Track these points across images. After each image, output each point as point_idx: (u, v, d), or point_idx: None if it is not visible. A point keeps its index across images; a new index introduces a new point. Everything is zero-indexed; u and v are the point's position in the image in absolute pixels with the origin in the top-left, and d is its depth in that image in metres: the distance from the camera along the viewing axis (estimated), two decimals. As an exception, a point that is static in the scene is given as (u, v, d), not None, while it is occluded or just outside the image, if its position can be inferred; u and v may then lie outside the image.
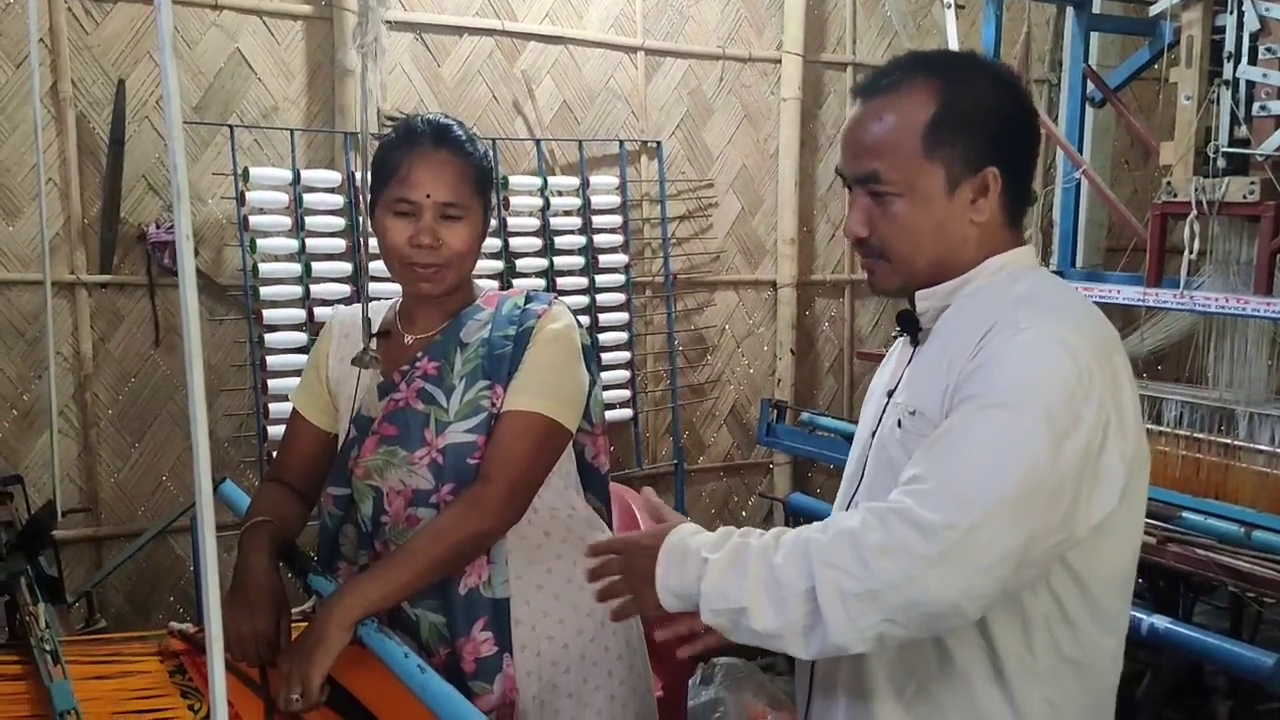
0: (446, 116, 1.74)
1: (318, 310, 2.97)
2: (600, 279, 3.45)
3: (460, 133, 1.70)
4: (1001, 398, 1.13)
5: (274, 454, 2.90)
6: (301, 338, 2.96)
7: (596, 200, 3.44)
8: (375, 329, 1.76)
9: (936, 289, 1.30)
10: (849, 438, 3.10)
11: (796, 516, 3.17)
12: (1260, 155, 2.57)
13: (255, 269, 2.91)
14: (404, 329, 1.78)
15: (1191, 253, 2.71)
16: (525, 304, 1.75)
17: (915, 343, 1.34)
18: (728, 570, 1.17)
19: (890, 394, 1.34)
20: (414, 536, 1.61)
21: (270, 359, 2.93)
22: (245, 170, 2.88)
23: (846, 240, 1.40)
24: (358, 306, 1.92)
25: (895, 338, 1.37)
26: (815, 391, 4.14)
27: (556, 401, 1.69)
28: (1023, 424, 1.11)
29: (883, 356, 3.85)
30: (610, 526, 1.90)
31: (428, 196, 1.65)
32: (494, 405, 1.68)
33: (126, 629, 2.82)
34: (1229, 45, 2.63)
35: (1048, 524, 1.11)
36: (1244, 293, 2.65)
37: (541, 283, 3.31)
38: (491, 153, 1.78)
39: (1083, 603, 1.22)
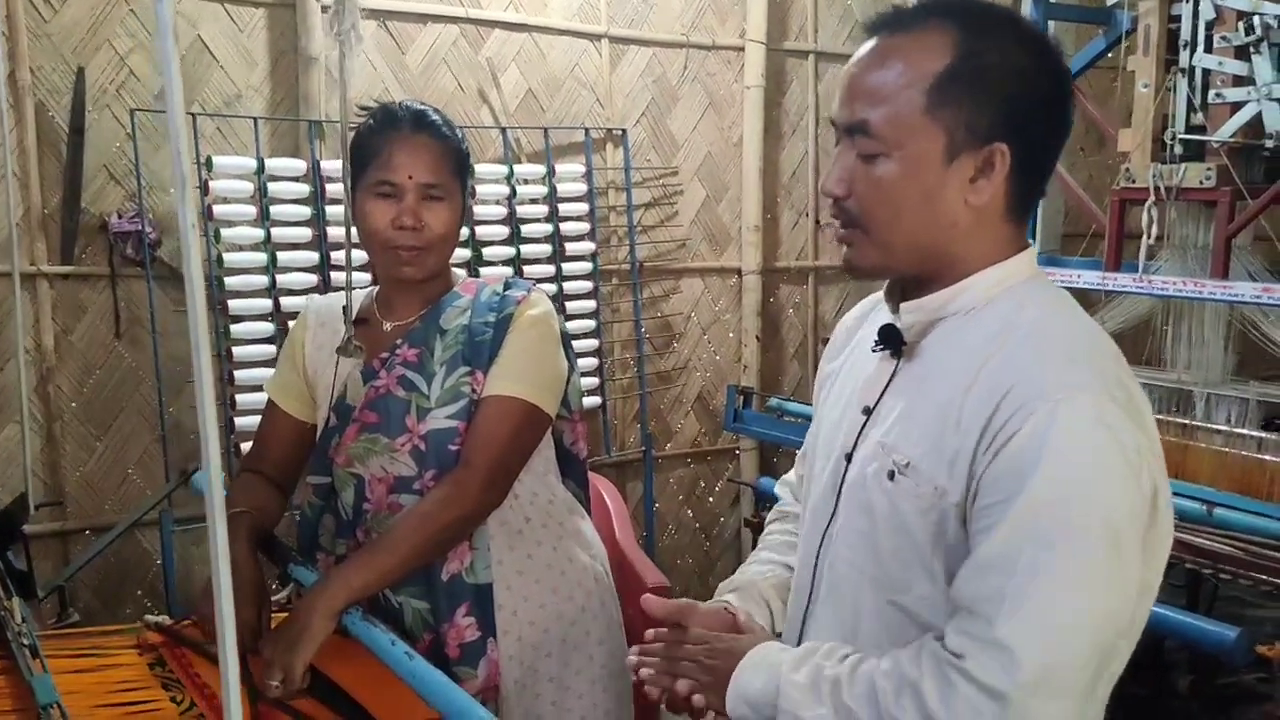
0: (423, 103, 1.75)
1: (284, 300, 2.95)
2: (567, 267, 3.45)
3: (437, 117, 1.72)
4: (1056, 528, 1.01)
5: (241, 445, 2.90)
6: (268, 328, 2.94)
7: (563, 189, 3.44)
8: (351, 316, 1.76)
9: (924, 302, 1.17)
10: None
11: (767, 500, 3.21)
12: (1216, 142, 2.62)
13: (220, 259, 2.88)
14: (383, 316, 1.78)
15: (1150, 238, 2.75)
16: (505, 291, 1.76)
17: (897, 355, 1.19)
18: (805, 693, 1.11)
19: (868, 411, 1.20)
20: (396, 523, 1.62)
21: (237, 350, 2.90)
22: (208, 159, 2.85)
23: (824, 198, 1.19)
24: (333, 295, 1.92)
25: (875, 350, 1.22)
26: (780, 377, 4.17)
27: (536, 386, 1.70)
28: (1087, 566, 1.01)
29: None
30: (589, 512, 1.91)
31: (409, 178, 1.66)
32: (474, 391, 1.69)
33: (96, 623, 2.80)
34: (1185, 34, 2.69)
35: (1118, 641, 1.06)
36: (1201, 277, 2.71)
37: (509, 271, 3.31)
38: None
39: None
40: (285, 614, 1.62)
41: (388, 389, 1.71)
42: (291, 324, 2.85)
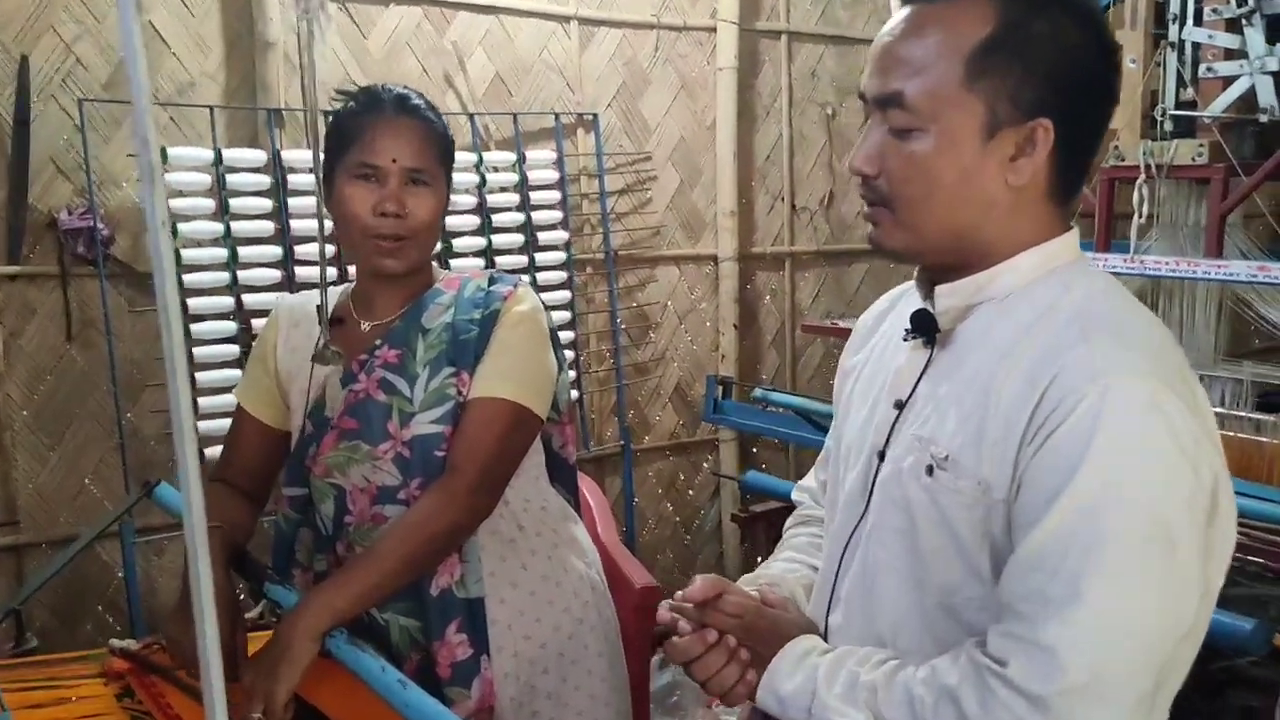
0: (406, 87, 1.64)
1: (246, 298, 2.82)
2: (540, 257, 3.34)
3: (421, 101, 1.62)
4: (1105, 523, 0.93)
5: (205, 451, 2.77)
6: (231, 327, 2.81)
7: (534, 176, 3.32)
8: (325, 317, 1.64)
9: (960, 285, 1.08)
10: (801, 413, 3.07)
11: (752, 494, 3.13)
12: (1208, 117, 2.57)
13: (178, 255, 2.74)
14: (360, 315, 1.67)
15: (1140, 217, 2.70)
16: (489, 286, 1.66)
17: (930, 343, 1.12)
18: (840, 699, 1.06)
19: (900, 405, 1.13)
20: (381, 537, 1.51)
21: (198, 351, 2.76)
22: (163, 151, 2.71)
23: (852, 171, 1.10)
24: (304, 294, 1.80)
25: (906, 339, 1.14)
26: (758, 366, 4.09)
27: (525, 386, 1.60)
28: (1139, 565, 0.93)
29: (830, 330, 3.78)
30: (581, 518, 1.82)
31: (393, 161, 1.55)
32: (460, 393, 1.59)
33: (54, 643, 2.66)
34: (1173, 7, 2.63)
35: (1177, 649, 0.97)
36: (1193, 255, 2.65)
37: (480, 262, 3.19)
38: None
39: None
40: (258, 633, 1.52)
41: (367, 393, 1.60)
42: (260, 324, 2.80)
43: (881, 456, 1.14)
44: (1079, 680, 0.92)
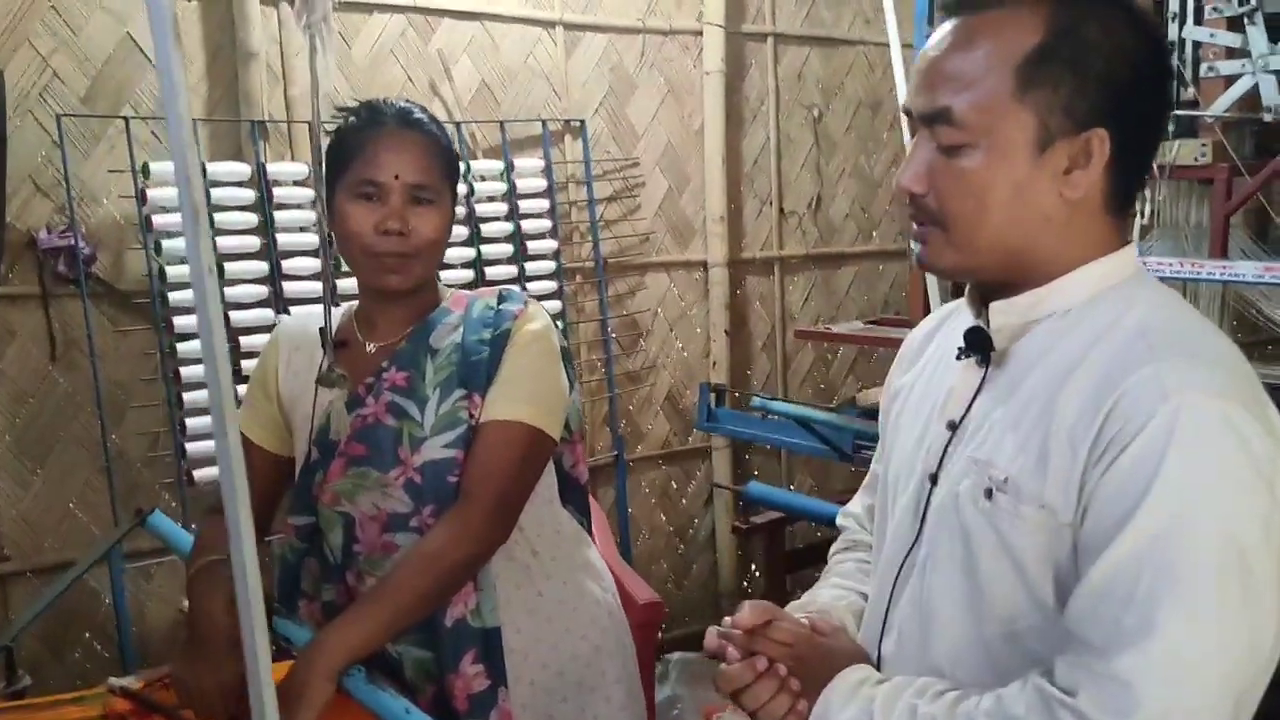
0: (409, 101, 1.59)
1: (233, 315, 2.74)
2: (530, 267, 3.28)
3: (424, 115, 1.57)
4: (1178, 550, 0.90)
5: (194, 472, 2.70)
6: (218, 345, 2.73)
7: (522, 184, 3.26)
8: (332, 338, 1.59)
9: (1016, 302, 1.05)
10: (800, 420, 3.04)
11: (754, 504, 3.09)
12: (1210, 117, 2.54)
13: (162, 273, 2.67)
14: (364, 337, 1.62)
15: (1143, 217, 2.68)
16: (499, 305, 1.61)
17: (985, 362, 1.08)
18: None
19: (953, 426, 1.09)
20: (396, 568, 1.45)
21: (185, 370, 2.69)
22: (145, 165, 2.63)
23: (899, 191, 1.06)
24: (305, 316, 1.75)
25: (959, 358, 1.10)
26: (749, 372, 4.05)
27: (540, 408, 1.55)
28: (1214, 594, 0.89)
29: (824, 336, 3.73)
30: (593, 539, 1.77)
31: (396, 178, 1.50)
32: (472, 416, 1.53)
33: (43, 675, 2.59)
34: (1174, 6, 2.60)
35: (1255, 680, 0.93)
36: (1196, 256, 2.63)
37: (470, 274, 3.13)
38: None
39: None
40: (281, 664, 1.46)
41: (376, 418, 1.54)
42: (247, 342, 2.73)
43: (934, 480, 1.10)
44: (1153, 713, 0.89)
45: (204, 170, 2.71)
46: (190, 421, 2.70)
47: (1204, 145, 2.54)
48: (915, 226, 1.08)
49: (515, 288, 1.66)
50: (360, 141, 1.51)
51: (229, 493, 0.57)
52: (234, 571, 0.56)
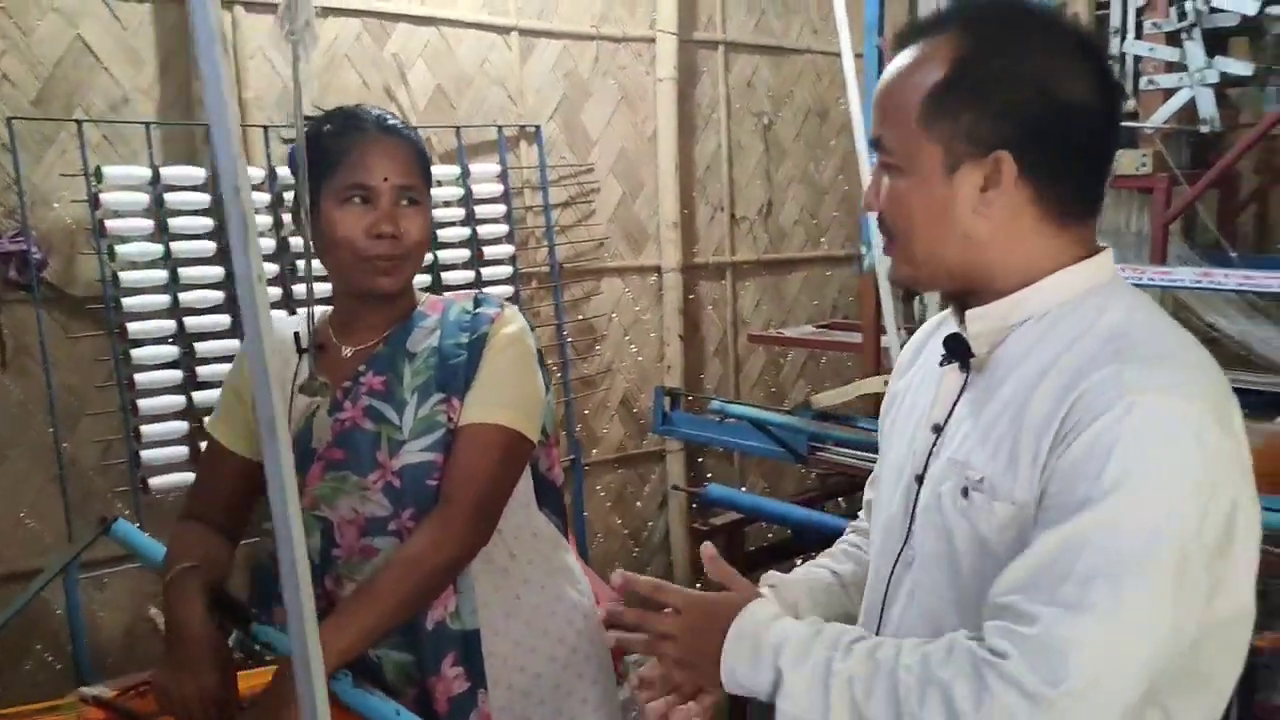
0: (376, 108, 1.60)
1: (188, 320, 2.72)
2: (486, 272, 3.29)
3: (398, 120, 1.59)
4: (1120, 533, 0.94)
5: (149, 480, 2.67)
6: (173, 351, 2.70)
7: (478, 190, 3.27)
8: (306, 343, 1.59)
9: (988, 309, 1.10)
10: (756, 423, 3.08)
11: (713, 506, 3.12)
12: (1150, 128, 2.63)
13: (116, 278, 2.63)
14: (340, 341, 1.62)
15: (1086, 225, 2.75)
16: (475, 308, 1.62)
17: (965, 367, 1.13)
18: (809, 692, 1.03)
19: (938, 430, 1.14)
20: (378, 573, 1.46)
21: (139, 377, 2.66)
22: (98, 169, 2.60)
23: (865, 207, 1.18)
24: (280, 321, 1.74)
25: (943, 364, 1.16)
26: (701, 375, 4.09)
27: (518, 411, 1.56)
28: (1150, 577, 0.94)
29: (776, 340, 3.79)
30: (583, 548, 1.79)
31: (385, 180, 1.51)
32: (451, 420, 1.54)
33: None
34: (1115, 20, 2.69)
35: (1171, 661, 0.97)
36: (1137, 263, 2.72)
37: (426, 279, 3.14)
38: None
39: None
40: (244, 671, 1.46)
41: (354, 422, 1.55)
42: (203, 348, 2.71)
43: (920, 481, 1.14)
44: (1081, 683, 0.92)
45: (158, 174, 2.68)
46: (145, 429, 2.67)
47: (1144, 156, 2.63)
48: (885, 241, 1.17)
49: (492, 291, 1.67)
50: (344, 147, 1.51)
51: (279, 508, 0.58)
52: (285, 589, 0.58)
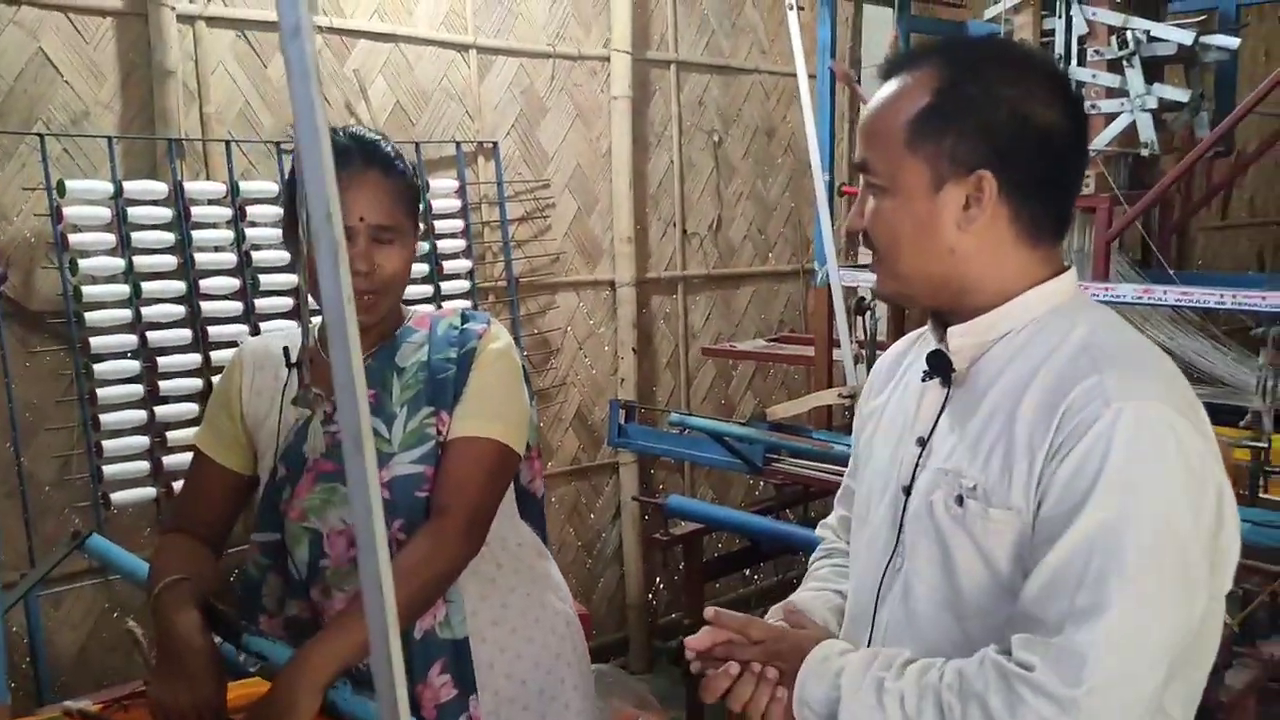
0: (372, 131, 1.63)
1: (150, 335, 2.71)
2: (445, 286, 3.32)
3: (389, 149, 1.60)
4: (1123, 537, 1.02)
5: (111, 496, 2.65)
6: (135, 366, 2.69)
7: (437, 205, 3.30)
8: (294, 358, 1.62)
9: (969, 326, 1.17)
10: (714, 435, 3.14)
11: (670, 516, 3.18)
12: (1093, 151, 2.75)
13: (77, 292, 2.62)
14: (329, 355, 1.64)
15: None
16: (463, 324, 1.67)
17: (947, 382, 1.20)
18: (866, 708, 1.11)
19: (922, 443, 1.21)
20: (374, 583, 1.49)
21: (100, 391, 2.64)
22: (60, 183, 2.58)
23: (851, 228, 1.26)
24: (267, 335, 1.77)
25: (925, 380, 1.23)
26: (654, 389, 4.15)
27: (506, 424, 1.61)
28: (1156, 575, 1.02)
29: (729, 353, 3.86)
30: (550, 552, 1.83)
31: (360, 219, 1.53)
32: (440, 433, 1.59)
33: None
34: (1058, 48, 2.81)
35: (1186, 645, 1.07)
36: (1080, 280, 2.83)
37: (429, 289, 3.16)
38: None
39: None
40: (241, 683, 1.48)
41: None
42: (165, 362, 2.70)
43: (908, 492, 1.21)
44: (1104, 680, 1.00)
45: (120, 188, 2.67)
46: (107, 443, 2.65)
47: (1088, 177, 2.75)
48: (872, 259, 1.24)
49: (471, 307, 1.70)
50: None
51: (364, 526, 0.62)
52: (368, 607, 0.62)
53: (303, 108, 0.61)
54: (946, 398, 1.20)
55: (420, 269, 3.25)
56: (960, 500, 1.13)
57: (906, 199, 1.16)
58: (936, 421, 1.20)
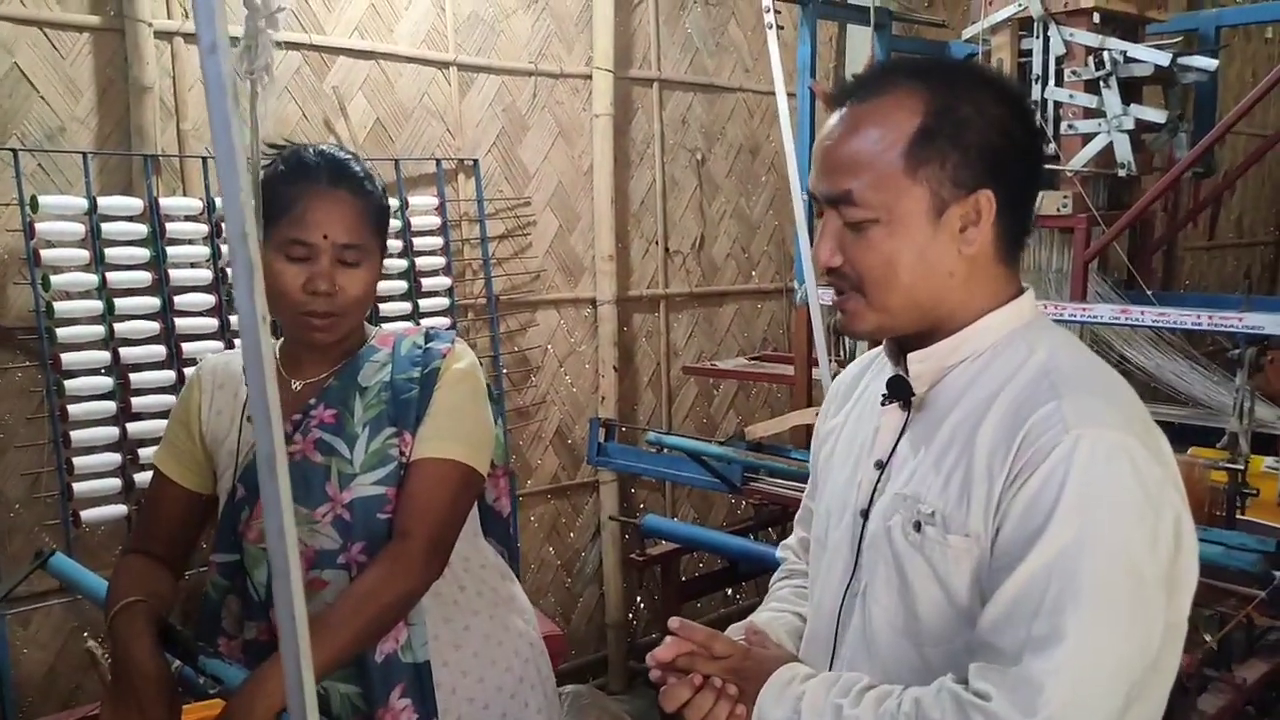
0: (344, 150, 1.61)
1: (123, 351, 2.69)
2: (424, 303, 3.30)
3: (358, 168, 1.58)
4: (1080, 565, 1.00)
5: (80, 513, 2.63)
6: (107, 383, 2.67)
7: (416, 222, 3.29)
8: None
9: (930, 351, 1.16)
10: (692, 454, 3.13)
11: (649, 536, 3.16)
12: (1070, 171, 2.75)
13: (50, 308, 2.60)
14: (289, 374, 1.63)
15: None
16: (426, 343, 1.65)
17: (906, 406, 1.19)
18: None
19: (881, 466, 1.19)
20: (332, 606, 1.47)
21: (72, 408, 2.62)
22: (34, 198, 2.57)
23: (818, 266, 1.19)
24: (227, 354, 1.75)
25: (884, 404, 1.21)
26: (635, 407, 4.13)
27: (470, 446, 1.59)
28: (1112, 603, 1.00)
29: (711, 372, 3.86)
30: (517, 573, 1.81)
31: (325, 238, 1.51)
32: (403, 454, 1.57)
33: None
34: (1036, 68, 2.81)
35: (1145, 679, 1.04)
36: (1058, 299, 2.83)
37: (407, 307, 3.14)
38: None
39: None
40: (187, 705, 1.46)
41: (303, 454, 1.56)
42: (138, 379, 2.68)
43: (865, 516, 1.19)
44: (1060, 709, 0.99)
45: (95, 204, 2.66)
46: (78, 460, 2.63)
47: (1065, 197, 2.75)
48: (837, 295, 1.18)
49: (443, 325, 1.68)
50: (290, 197, 1.50)
51: (275, 543, 0.61)
52: (282, 641, 0.60)
53: (219, 123, 0.60)
54: (906, 422, 1.18)
55: (399, 286, 3.23)
56: (918, 526, 1.12)
57: (905, 227, 1.11)
58: (895, 445, 1.18)
